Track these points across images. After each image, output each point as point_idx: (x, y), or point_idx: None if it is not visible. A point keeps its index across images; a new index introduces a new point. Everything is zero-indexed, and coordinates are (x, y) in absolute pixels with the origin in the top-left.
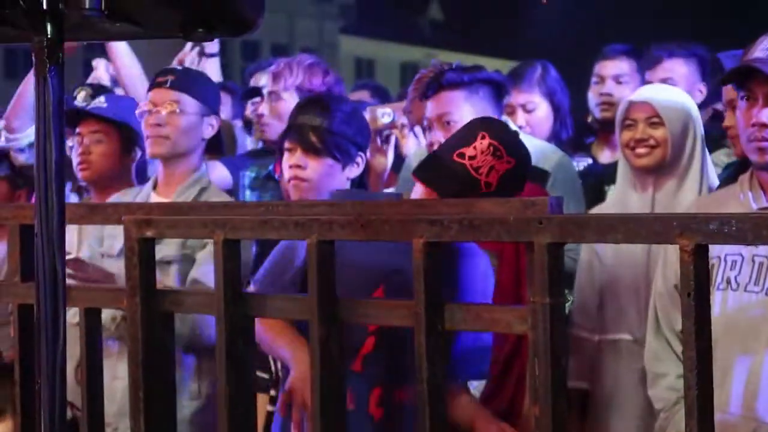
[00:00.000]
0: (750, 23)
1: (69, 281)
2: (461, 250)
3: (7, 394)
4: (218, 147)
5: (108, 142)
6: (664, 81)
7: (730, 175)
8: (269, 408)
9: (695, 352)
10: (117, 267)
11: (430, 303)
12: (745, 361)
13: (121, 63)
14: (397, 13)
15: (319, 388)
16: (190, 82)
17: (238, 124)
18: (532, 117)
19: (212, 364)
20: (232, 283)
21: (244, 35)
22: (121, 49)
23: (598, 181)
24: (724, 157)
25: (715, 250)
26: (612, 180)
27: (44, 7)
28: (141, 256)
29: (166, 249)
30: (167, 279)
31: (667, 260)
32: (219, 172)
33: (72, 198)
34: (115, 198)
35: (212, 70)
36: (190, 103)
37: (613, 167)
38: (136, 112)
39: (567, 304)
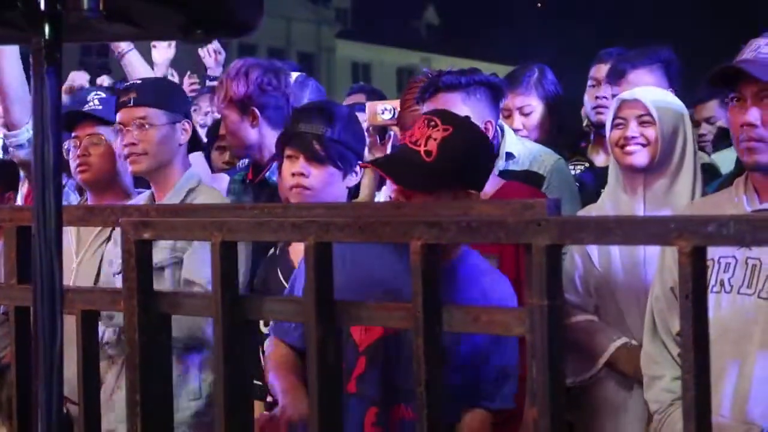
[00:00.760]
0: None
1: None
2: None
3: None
4: (196, 144)
5: (105, 143)
6: None
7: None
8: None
9: (693, 354)
10: None
11: (428, 305)
12: (738, 364)
13: (135, 70)
14: (394, 18)
15: (317, 390)
16: (152, 94)
17: None
18: (529, 120)
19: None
20: (230, 285)
21: (243, 37)
22: (135, 58)
23: (594, 184)
24: None
25: (708, 252)
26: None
27: (42, 8)
28: (138, 258)
29: (159, 254)
30: (162, 285)
31: (664, 263)
32: (199, 163)
33: (71, 199)
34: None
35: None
36: (158, 115)
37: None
38: (111, 131)
39: None
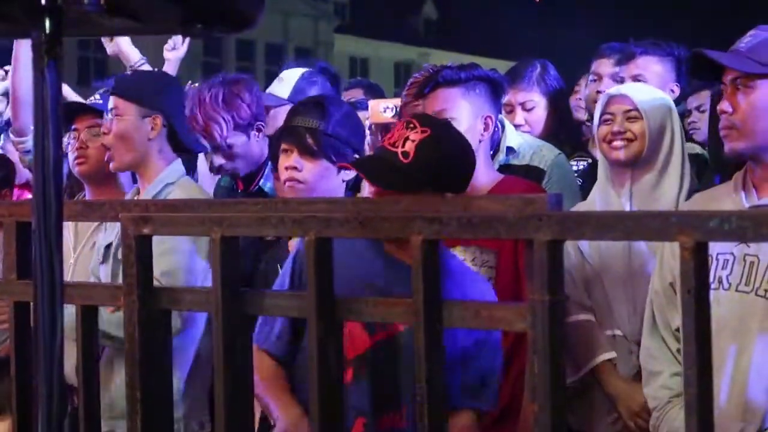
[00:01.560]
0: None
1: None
2: (458, 273)
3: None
4: (179, 144)
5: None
6: (635, 77)
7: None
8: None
9: (695, 349)
10: None
11: (429, 300)
12: (735, 360)
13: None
14: (392, 13)
15: (317, 387)
16: (127, 85)
17: None
18: (531, 115)
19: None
20: (230, 281)
21: (244, 31)
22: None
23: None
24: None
25: None
26: None
27: (42, 2)
28: (138, 253)
29: (112, 235)
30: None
31: (663, 259)
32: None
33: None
34: None
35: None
36: (125, 107)
37: None
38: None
39: None
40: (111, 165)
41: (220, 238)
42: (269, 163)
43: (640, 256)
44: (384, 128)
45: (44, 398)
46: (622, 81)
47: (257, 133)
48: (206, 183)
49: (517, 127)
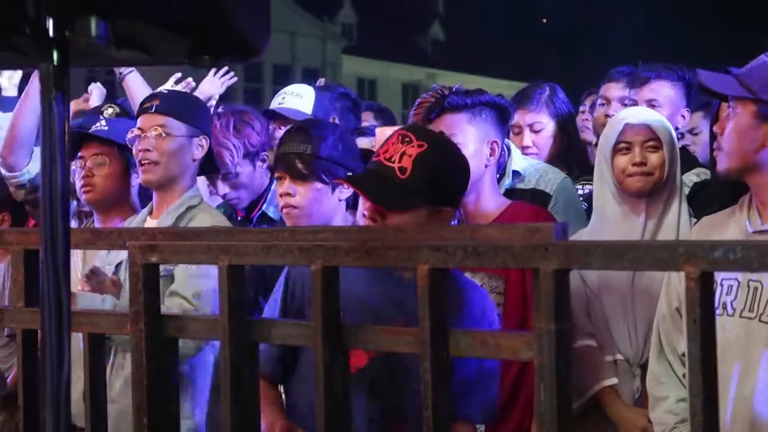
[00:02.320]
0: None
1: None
2: (461, 283)
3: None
4: (210, 166)
5: (110, 163)
6: (649, 102)
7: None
8: None
9: (701, 379)
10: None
11: (435, 329)
12: (739, 385)
13: (135, 93)
14: (399, 34)
15: (323, 415)
16: (175, 104)
17: None
18: (539, 137)
19: None
20: (237, 309)
21: (250, 61)
22: (136, 81)
23: None
24: (693, 176)
25: None
26: None
27: (50, 34)
28: (146, 281)
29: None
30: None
31: (670, 283)
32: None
33: (71, 224)
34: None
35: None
36: (177, 126)
37: None
38: (127, 137)
39: None
40: (146, 177)
41: (227, 266)
42: (271, 188)
43: (641, 278)
44: None
45: (51, 427)
46: (635, 104)
47: (261, 164)
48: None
49: (525, 148)
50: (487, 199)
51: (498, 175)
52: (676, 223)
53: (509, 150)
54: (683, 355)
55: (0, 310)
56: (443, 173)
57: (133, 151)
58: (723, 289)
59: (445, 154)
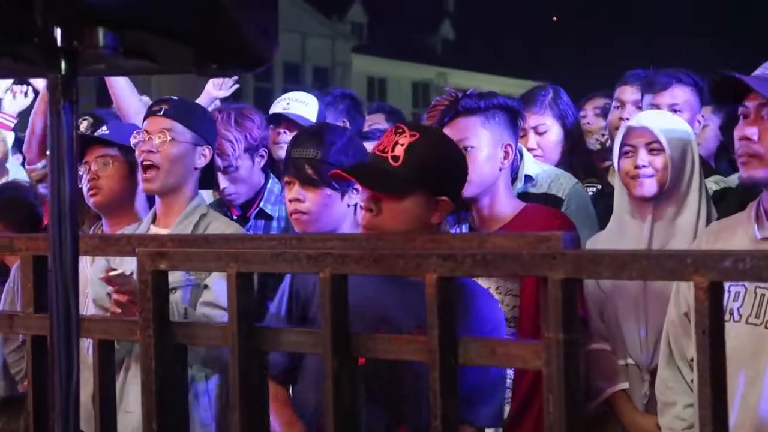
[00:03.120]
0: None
1: (82, 312)
2: (469, 288)
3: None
4: (209, 179)
5: (114, 165)
6: (671, 107)
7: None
8: None
9: (710, 389)
10: None
11: (444, 338)
12: (745, 392)
13: (121, 96)
14: (409, 32)
15: (332, 423)
16: (183, 111)
17: None
18: (544, 139)
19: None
20: (246, 316)
21: (258, 69)
22: (121, 84)
23: (610, 207)
24: (712, 184)
25: None
26: None
27: (59, 44)
28: (155, 288)
29: (171, 276)
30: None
31: (679, 288)
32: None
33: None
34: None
35: None
36: (182, 132)
37: None
38: (131, 141)
39: None
40: (148, 185)
41: (236, 273)
42: (267, 186)
43: (653, 283)
44: None
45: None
46: (657, 108)
47: (260, 160)
48: None
49: (529, 150)
50: (501, 202)
51: (510, 179)
52: (693, 226)
53: (521, 154)
54: (692, 360)
55: (10, 316)
56: (434, 160)
57: (136, 152)
58: (730, 296)
59: (437, 143)
